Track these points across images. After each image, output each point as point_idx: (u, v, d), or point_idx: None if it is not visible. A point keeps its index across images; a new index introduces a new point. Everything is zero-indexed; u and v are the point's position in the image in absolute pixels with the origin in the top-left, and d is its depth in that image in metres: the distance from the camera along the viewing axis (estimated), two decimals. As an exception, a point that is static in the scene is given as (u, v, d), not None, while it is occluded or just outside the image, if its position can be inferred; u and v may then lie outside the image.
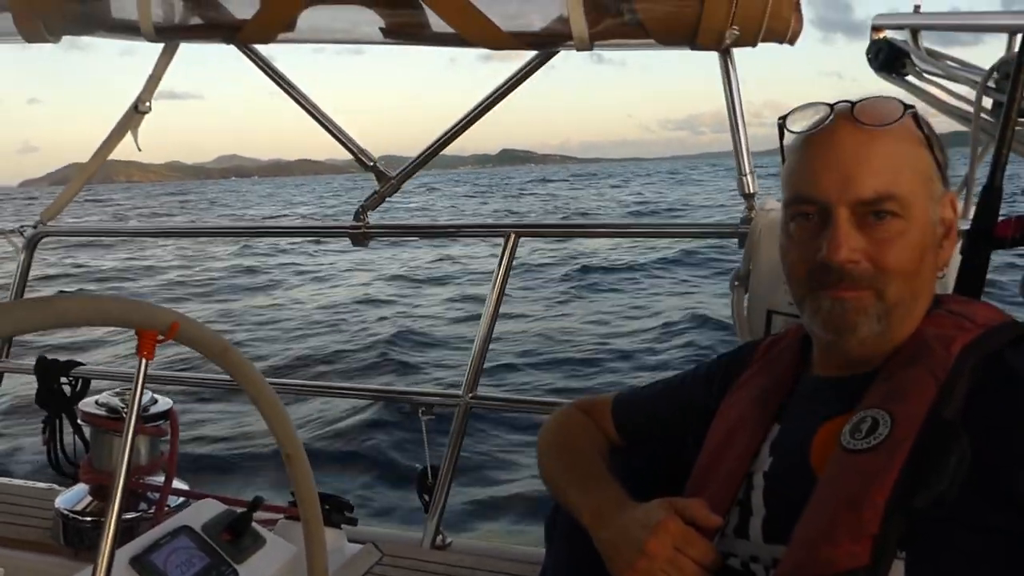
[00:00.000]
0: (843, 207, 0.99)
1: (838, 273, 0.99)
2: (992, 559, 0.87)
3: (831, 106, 1.03)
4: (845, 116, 1.02)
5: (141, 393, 0.84)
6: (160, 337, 0.81)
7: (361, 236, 2.46)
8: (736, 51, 1.91)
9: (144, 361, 0.81)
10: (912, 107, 1.03)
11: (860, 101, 1.02)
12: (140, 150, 2.56)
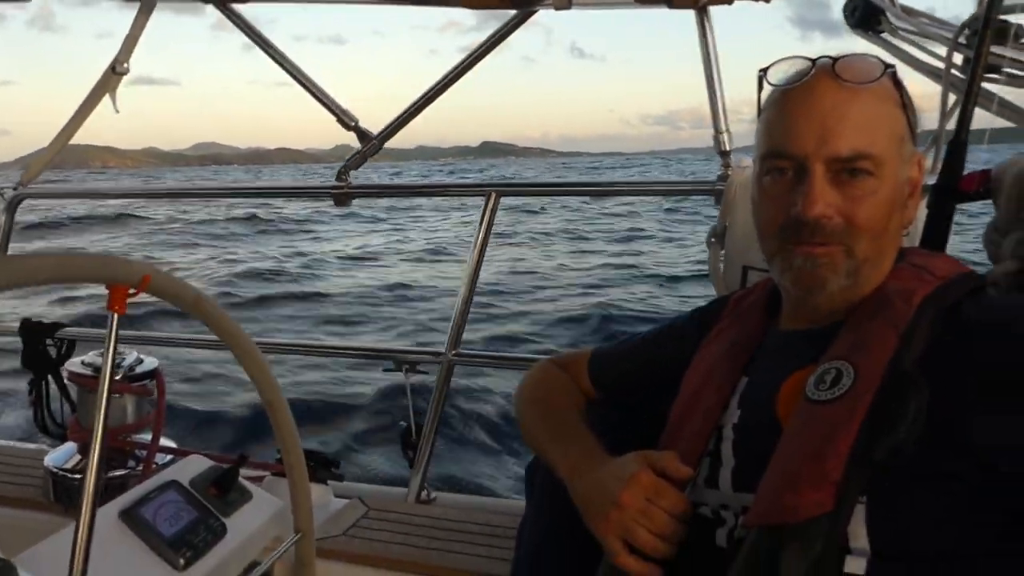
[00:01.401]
0: (819, 162, 1.00)
1: (811, 228, 1.00)
2: (949, 506, 0.90)
3: (812, 61, 1.03)
4: (826, 71, 1.02)
5: (115, 347, 0.84)
6: (131, 291, 0.80)
7: (343, 196, 2.48)
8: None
9: (115, 316, 0.81)
10: (892, 67, 1.04)
11: (841, 57, 1.02)
12: (118, 111, 2.54)
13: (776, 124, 1.05)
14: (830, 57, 1.03)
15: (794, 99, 1.03)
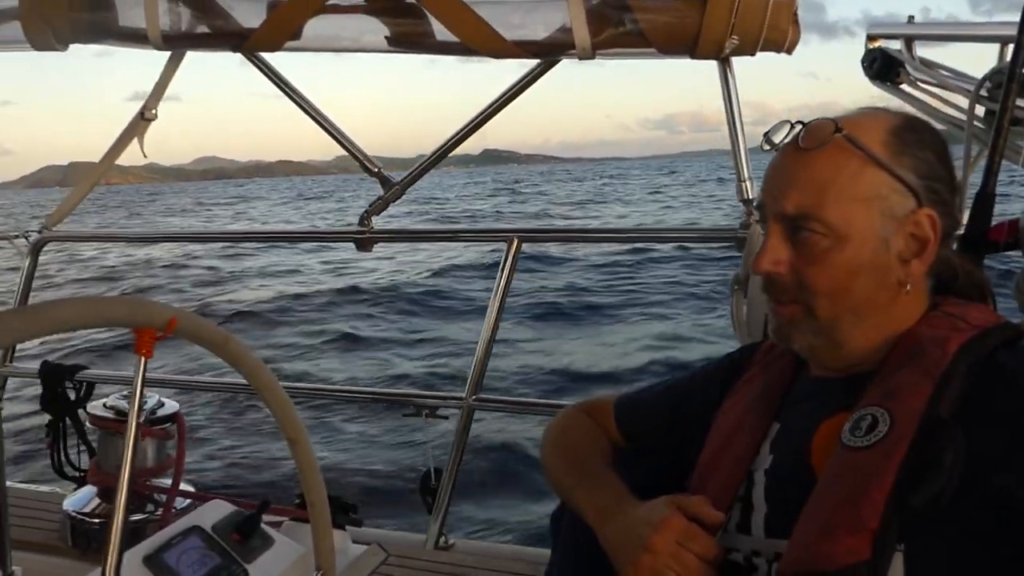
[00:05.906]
0: (774, 219, 1.06)
1: (768, 283, 1.07)
2: (988, 558, 0.89)
3: (802, 124, 1.07)
4: (796, 137, 1.07)
5: (142, 390, 0.84)
6: (159, 334, 0.80)
7: (366, 241, 2.50)
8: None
9: (143, 360, 0.81)
10: (842, 130, 1.02)
11: (812, 122, 1.06)
12: (145, 156, 2.59)
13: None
14: (804, 123, 1.07)
15: (773, 160, 1.11)
